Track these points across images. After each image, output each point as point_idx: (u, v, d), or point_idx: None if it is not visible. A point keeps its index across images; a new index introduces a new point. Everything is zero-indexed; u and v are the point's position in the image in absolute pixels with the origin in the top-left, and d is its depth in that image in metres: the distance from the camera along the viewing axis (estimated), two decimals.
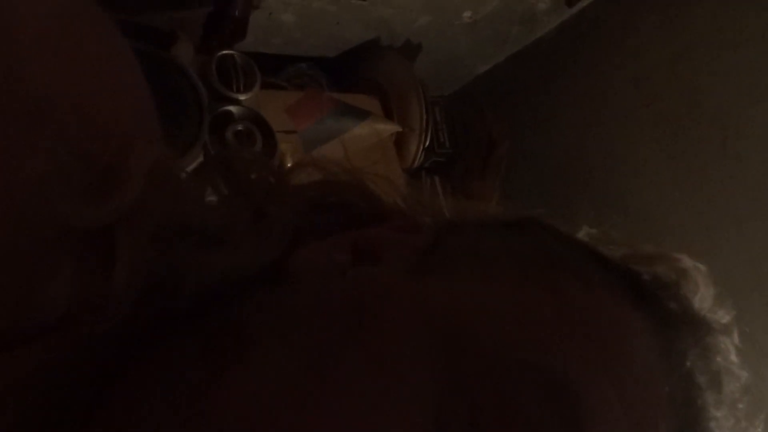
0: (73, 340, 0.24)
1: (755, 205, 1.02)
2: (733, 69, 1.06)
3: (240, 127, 0.87)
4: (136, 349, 0.24)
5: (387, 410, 0.21)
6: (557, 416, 0.23)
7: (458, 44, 1.30)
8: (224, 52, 0.89)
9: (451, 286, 0.26)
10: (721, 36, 1.08)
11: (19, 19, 0.25)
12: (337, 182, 0.33)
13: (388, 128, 1.15)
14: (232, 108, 0.88)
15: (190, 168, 0.85)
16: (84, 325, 0.23)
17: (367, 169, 0.33)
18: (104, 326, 0.23)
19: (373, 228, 0.30)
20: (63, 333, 0.23)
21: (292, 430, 0.21)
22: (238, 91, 0.89)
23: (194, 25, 1.03)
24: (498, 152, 1.27)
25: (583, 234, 0.33)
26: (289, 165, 0.34)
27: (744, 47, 1.05)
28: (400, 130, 1.16)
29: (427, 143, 1.21)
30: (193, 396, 0.22)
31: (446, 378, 0.22)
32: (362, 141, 1.10)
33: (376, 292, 0.25)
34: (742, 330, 0.32)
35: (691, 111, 1.12)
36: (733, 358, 0.31)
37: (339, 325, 0.24)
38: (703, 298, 0.31)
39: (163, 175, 0.26)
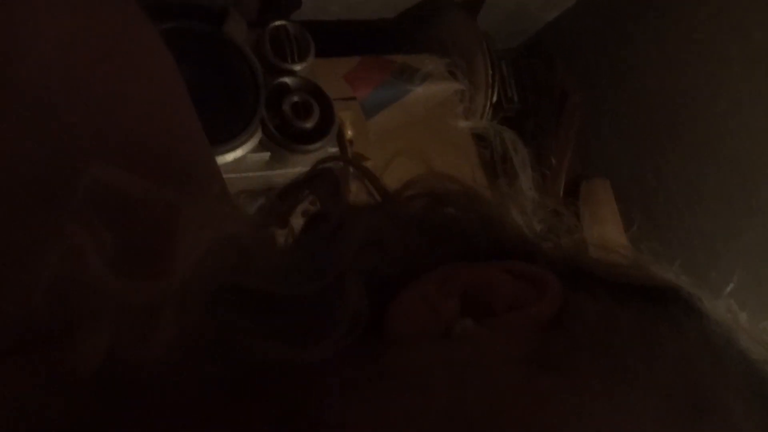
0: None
1: None
2: None
3: (296, 99, 0.86)
4: (174, 409, 0.23)
5: None
6: None
7: None
8: (276, 23, 0.88)
9: (580, 403, 0.20)
10: None
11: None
12: (447, 193, 0.26)
13: (451, 87, 1.11)
14: (288, 79, 0.87)
15: (249, 146, 0.86)
16: (112, 381, 0.21)
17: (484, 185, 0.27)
18: (137, 383, 0.22)
19: (489, 266, 0.24)
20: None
21: None
22: (293, 62, 0.88)
23: None
24: (571, 105, 1.20)
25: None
26: (402, 184, 0.28)
27: None
28: (463, 88, 1.12)
29: (495, 99, 1.16)
30: None
31: None
32: (425, 102, 1.07)
33: (483, 389, 0.20)
34: None
35: None
36: None
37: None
38: None
39: (223, 241, 0.22)
